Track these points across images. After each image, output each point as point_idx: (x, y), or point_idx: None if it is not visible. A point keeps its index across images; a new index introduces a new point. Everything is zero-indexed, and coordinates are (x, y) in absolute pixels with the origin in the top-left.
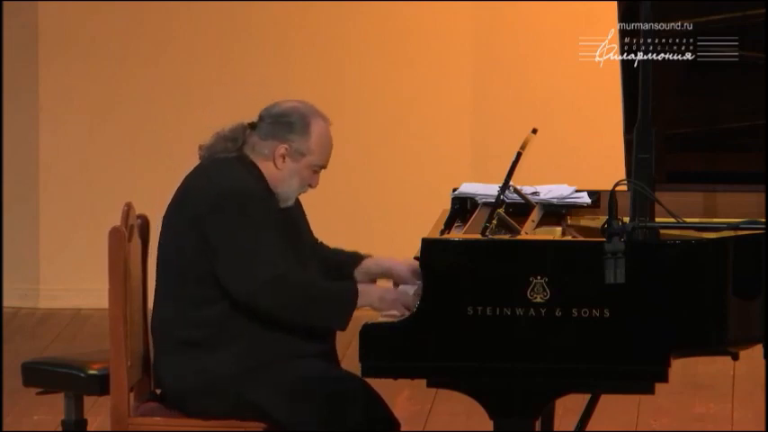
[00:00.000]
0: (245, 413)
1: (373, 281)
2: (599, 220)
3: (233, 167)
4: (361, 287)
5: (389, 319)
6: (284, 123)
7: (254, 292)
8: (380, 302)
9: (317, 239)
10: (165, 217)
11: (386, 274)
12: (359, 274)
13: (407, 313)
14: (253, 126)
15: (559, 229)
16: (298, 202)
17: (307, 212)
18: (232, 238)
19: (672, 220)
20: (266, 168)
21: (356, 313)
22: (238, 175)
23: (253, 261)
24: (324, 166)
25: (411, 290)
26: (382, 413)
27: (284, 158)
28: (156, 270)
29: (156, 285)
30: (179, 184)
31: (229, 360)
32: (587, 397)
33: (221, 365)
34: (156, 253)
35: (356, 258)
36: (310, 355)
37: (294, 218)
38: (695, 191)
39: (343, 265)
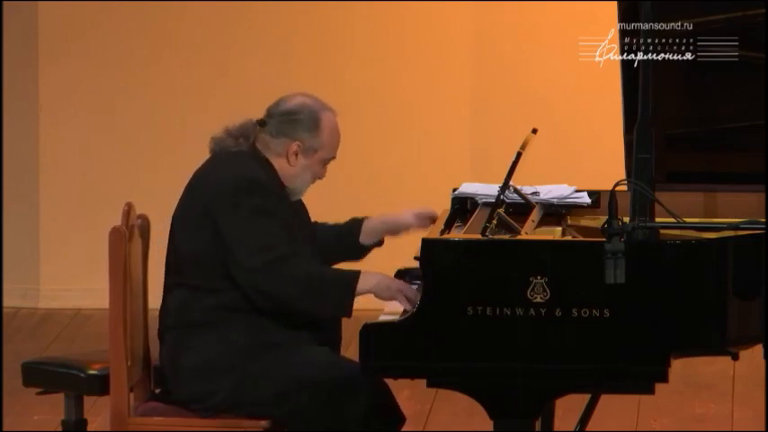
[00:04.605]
0: (248, 388)
1: (381, 241)
2: (599, 220)
3: (245, 160)
4: (363, 273)
5: (390, 318)
6: (294, 121)
7: (255, 273)
8: (383, 289)
9: (313, 222)
10: (177, 208)
11: (393, 227)
12: (365, 237)
13: (410, 306)
14: (261, 123)
15: (559, 229)
16: None
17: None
18: (237, 222)
19: (672, 220)
20: (279, 165)
21: (356, 314)
22: (249, 166)
23: (255, 244)
24: (334, 158)
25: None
26: (386, 406)
27: (297, 156)
28: (168, 263)
29: (167, 277)
30: (189, 179)
31: (237, 336)
32: (587, 397)
33: (229, 340)
34: (157, 251)
35: (355, 224)
36: (316, 342)
37: (298, 208)
38: (695, 191)
39: (344, 236)
